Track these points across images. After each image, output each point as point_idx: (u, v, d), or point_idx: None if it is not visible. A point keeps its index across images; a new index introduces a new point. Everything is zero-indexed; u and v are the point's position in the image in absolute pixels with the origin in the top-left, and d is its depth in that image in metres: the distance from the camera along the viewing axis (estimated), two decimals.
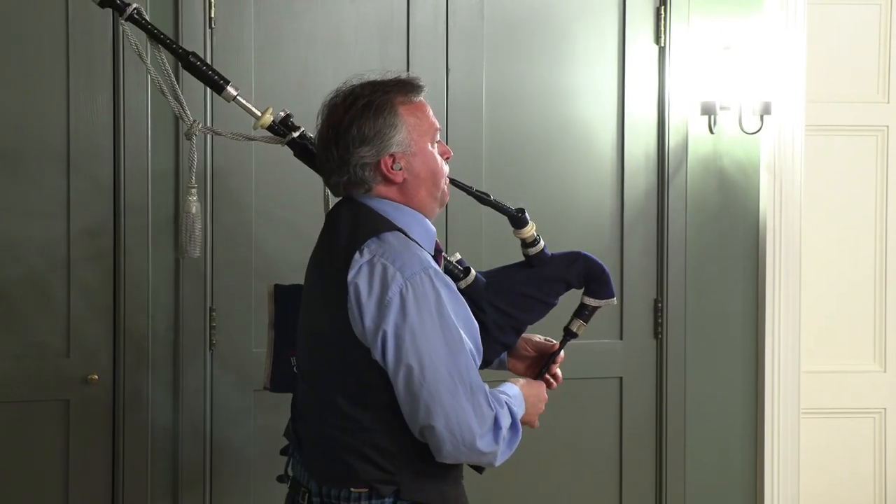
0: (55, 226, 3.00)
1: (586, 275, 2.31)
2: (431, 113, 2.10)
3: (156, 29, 2.28)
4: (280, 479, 2.24)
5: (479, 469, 2.17)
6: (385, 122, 2.02)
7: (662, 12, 3.30)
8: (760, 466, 3.37)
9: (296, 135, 2.24)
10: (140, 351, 3.04)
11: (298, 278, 2.28)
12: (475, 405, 1.96)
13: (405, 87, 2.06)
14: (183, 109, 2.29)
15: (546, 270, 2.30)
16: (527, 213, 2.28)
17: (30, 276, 3.00)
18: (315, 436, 2.06)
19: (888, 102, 3.67)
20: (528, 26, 3.27)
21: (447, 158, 2.12)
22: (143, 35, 2.31)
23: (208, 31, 3.05)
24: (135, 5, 2.26)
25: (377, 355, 1.96)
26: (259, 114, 2.25)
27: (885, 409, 3.70)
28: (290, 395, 2.26)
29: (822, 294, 3.64)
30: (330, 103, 2.08)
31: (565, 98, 3.30)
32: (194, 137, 2.29)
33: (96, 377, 3.03)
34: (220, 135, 2.37)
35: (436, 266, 2.01)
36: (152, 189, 3.03)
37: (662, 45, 3.31)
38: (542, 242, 2.31)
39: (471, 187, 2.28)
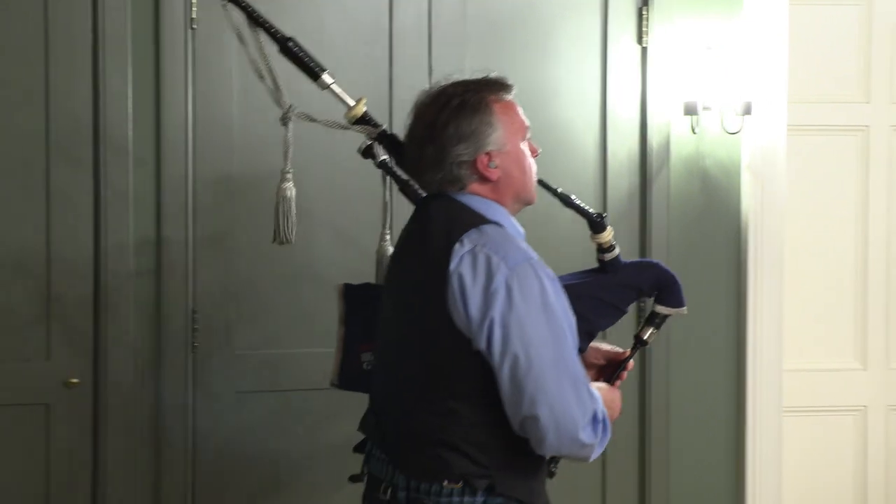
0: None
1: (658, 283, 2.30)
2: (521, 111, 2.11)
3: (256, 12, 2.27)
4: (354, 478, 2.18)
5: (551, 473, 2.15)
6: (481, 120, 2.03)
7: (645, 13, 3.30)
8: (742, 465, 3.38)
9: (384, 127, 2.26)
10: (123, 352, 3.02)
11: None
12: (578, 396, 1.94)
13: (496, 86, 2.08)
14: (280, 94, 2.26)
15: (619, 277, 2.30)
16: (606, 219, 2.28)
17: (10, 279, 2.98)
18: (405, 430, 2.02)
19: (869, 102, 3.68)
20: (511, 26, 3.26)
21: (535, 157, 2.14)
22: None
23: (189, 31, 3.03)
24: None
25: (482, 344, 1.94)
26: (352, 103, 2.25)
27: (865, 406, 3.72)
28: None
29: (804, 293, 3.65)
30: (420, 103, 2.08)
31: (548, 98, 3.30)
32: (290, 123, 2.27)
33: (76, 381, 3.01)
34: (314, 122, 2.31)
35: (537, 257, 2.00)
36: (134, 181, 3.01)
37: (645, 45, 3.31)
38: (617, 249, 2.31)
39: (556, 188, 2.29)
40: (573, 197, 2.30)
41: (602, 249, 2.31)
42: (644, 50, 3.31)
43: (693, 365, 3.38)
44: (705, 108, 3.29)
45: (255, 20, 2.27)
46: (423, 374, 2.00)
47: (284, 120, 2.26)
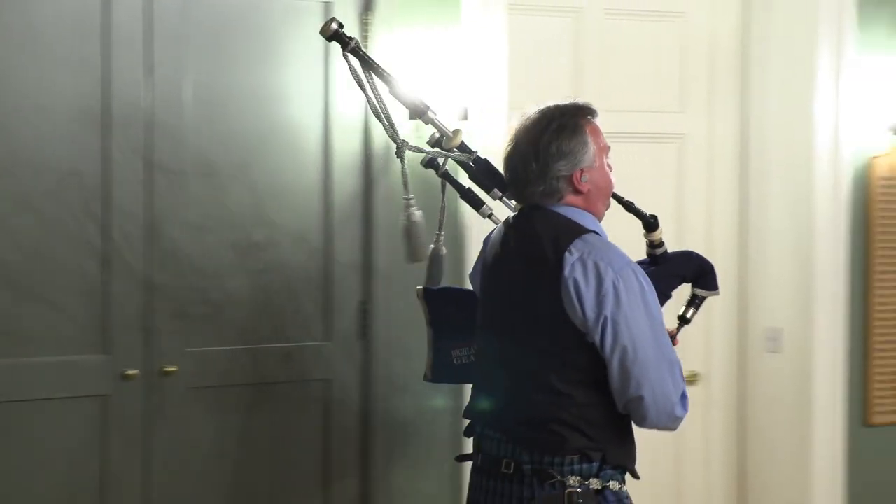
0: None
1: (699, 270, 2.64)
2: (603, 133, 2.45)
3: (371, 59, 2.52)
4: (461, 458, 2.55)
5: (635, 474, 2.44)
6: (578, 141, 2.37)
7: (367, 19, 3.34)
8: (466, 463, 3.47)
9: (479, 153, 2.60)
10: None
11: None
12: (673, 378, 2.32)
13: (586, 111, 2.42)
14: (395, 131, 2.53)
15: (668, 267, 2.61)
16: (658, 220, 2.64)
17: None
18: (525, 413, 2.33)
19: (684, 112, 3.92)
20: (235, 29, 3.25)
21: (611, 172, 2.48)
22: None
23: None
24: (356, 39, 2.49)
25: (596, 338, 2.28)
26: (451, 134, 2.55)
27: None
28: None
29: None
30: (521, 127, 2.41)
31: (274, 100, 3.30)
32: (404, 156, 2.54)
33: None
34: (422, 152, 2.60)
35: (633, 261, 2.36)
36: None
37: (367, 49, 3.35)
38: (665, 244, 2.65)
39: (622, 197, 2.60)
40: (634, 203, 2.63)
41: (653, 245, 2.65)
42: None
43: (418, 366, 3.37)
44: (431, 112, 3.35)
45: (370, 65, 2.52)
46: (541, 364, 2.32)
47: (399, 153, 2.54)
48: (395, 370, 3.42)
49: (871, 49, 3.87)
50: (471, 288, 2.76)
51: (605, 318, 2.27)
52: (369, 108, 2.54)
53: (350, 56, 2.50)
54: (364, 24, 3.34)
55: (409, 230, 2.60)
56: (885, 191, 3.90)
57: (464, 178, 2.77)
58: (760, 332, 3.98)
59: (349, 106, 3.35)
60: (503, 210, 2.64)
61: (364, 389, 3.41)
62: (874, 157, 3.89)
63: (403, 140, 2.54)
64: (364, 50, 2.53)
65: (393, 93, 2.54)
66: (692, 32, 3.99)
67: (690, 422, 3.97)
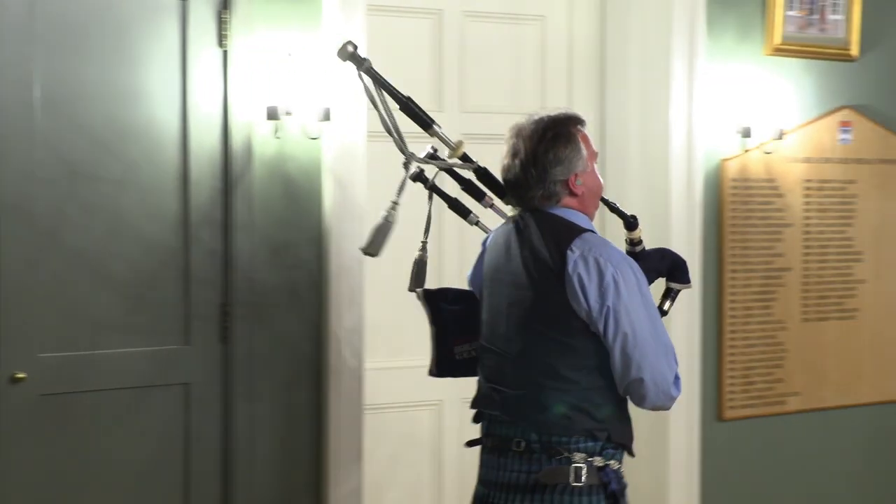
0: None
1: (673, 266, 2.81)
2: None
3: (382, 78, 2.72)
4: (470, 443, 2.71)
5: (632, 452, 2.64)
6: (572, 148, 2.58)
7: (225, 17, 3.29)
8: (324, 464, 3.46)
9: (479, 163, 2.81)
10: None
11: None
12: (668, 361, 2.53)
13: (576, 121, 2.63)
14: (404, 145, 2.73)
15: (646, 263, 2.73)
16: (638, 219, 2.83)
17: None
18: (533, 398, 2.53)
19: (442, 111, 3.88)
20: (87, 27, 3.17)
21: None
22: None
23: None
24: (369, 60, 2.70)
25: (599, 327, 2.48)
26: (454, 146, 2.77)
27: (441, 400, 3.92)
28: None
29: (385, 293, 3.79)
30: (518, 136, 2.60)
31: (128, 100, 3.22)
32: (410, 167, 2.77)
33: None
34: (429, 163, 2.80)
35: (628, 256, 2.60)
36: None
37: (226, 49, 3.30)
38: (643, 242, 2.83)
39: (607, 199, 2.80)
40: (617, 204, 2.85)
41: (633, 243, 2.82)
42: (225, 54, 3.31)
43: (277, 368, 3.41)
44: (287, 114, 3.33)
45: (383, 84, 2.72)
46: (549, 353, 2.52)
47: (406, 165, 2.75)
48: (257, 374, 3.37)
49: (720, 56, 3.99)
50: (467, 288, 2.90)
51: (608, 308, 2.47)
52: (380, 123, 2.73)
53: (364, 75, 2.71)
54: (222, 23, 3.29)
55: (382, 228, 2.75)
56: (735, 192, 4.03)
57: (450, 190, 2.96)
58: None
59: (208, 106, 3.29)
60: (491, 218, 2.90)
61: (225, 394, 3.35)
62: (725, 160, 4.02)
63: (411, 153, 2.75)
64: (375, 70, 2.72)
65: (403, 109, 2.76)
66: (552, 36, 4.05)
67: None
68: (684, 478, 3.95)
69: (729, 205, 4.01)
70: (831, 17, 4.16)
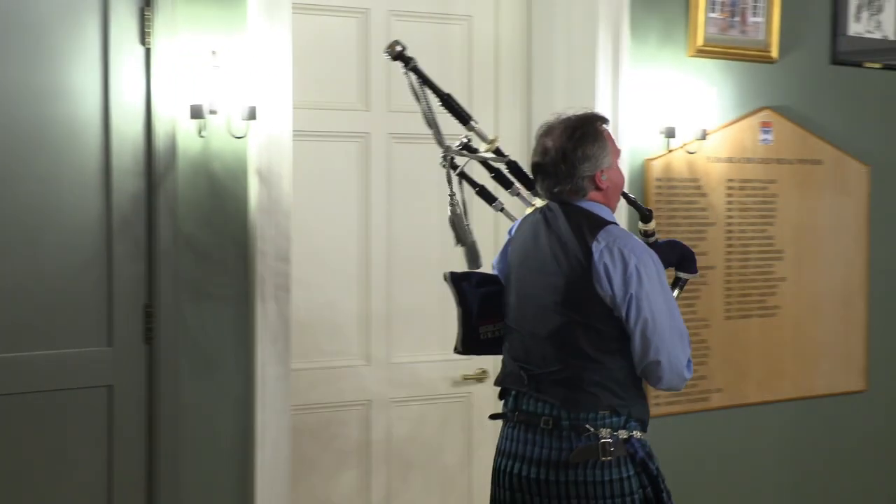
0: None
1: (682, 257, 3.03)
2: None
3: (426, 75, 2.90)
4: (494, 416, 2.94)
5: (646, 428, 2.83)
6: (599, 146, 2.79)
7: (147, 14, 3.25)
8: (253, 466, 3.43)
9: (510, 156, 3.01)
10: None
11: None
12: (683, 345, 2.76)
13: (601, 120, 2.84)
14: (443, 138, 2.91)
15: (658, 254, 2.88)
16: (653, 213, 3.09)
17: None
18: (561, 376, 2.76)
19: (369, 111, 3.88)
20: (5, 23, 3.09)
21: None
22: None
23: None
24: (415, 59, 2.87)
25: (622, 312, 2.70)
26: (490, 139, 2.97)
27: (370, 400, 3.92)
28: None
29: (312, 293, 3.78)
30: (548, 134, 2.81)
31: (46, 97, 3.16)
32: (450, 158, 2.94)
33: None
34: (464, 156, 2.96)
35: (648, 247, 2.80)
36: None
37: (149, 46, 3.26)
38: (657, 234, 3.07)
39: (626, 193, 3.03)
40: (634, 197, 3.12)
41: (647, 235, 3.05)
42: (148, 51, 3.26)
43: (204, 369, 3.37)
44: (212, 112, 3.29)
45: (426, 81, 2.91)
46: (576, 335, 2.74)
47: (445, 157, 2.94)
48: (182, 375, 3.33)
49: (644, 57, 4.04)
50: (493, 272, 3.07)
51: (631, 296, 2.69)
52: (422, 118, 2.91)
53: (410, 73, 2.89)
54: (144, 20, 3.25)
55: (455, 221, 2.94)
56: (660, 191, 4.08)
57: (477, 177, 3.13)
58: None
59: (131, 104, 3.25)
60: (515, 205, 3.14)
61: (150, 396, 3.31)
62: (649, 160, 4.06)
63: (448, 146, 2.92)
64: (420, 67, 2.90)
65: (444, 104, 2.94)
66: (478, 36, 4.06)
67: (480, 417, 4.07)
68: None
69: (654, 204, 4.06)
70: (752, 19, 4.23)
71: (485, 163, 3.08)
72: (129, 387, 3.29)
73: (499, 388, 2.93)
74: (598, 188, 2.82)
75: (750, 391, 4.31)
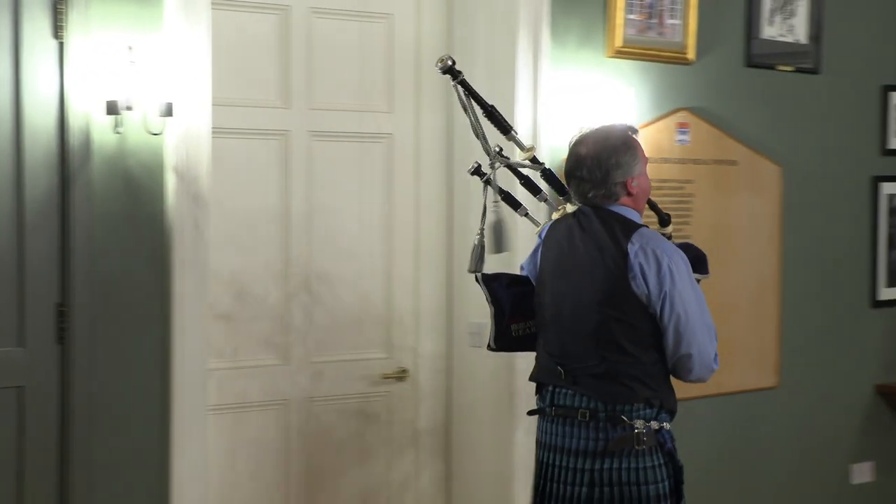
0: None
1: (696, 258, 3.13)
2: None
3: (472, 88, 3.09)
4: (532, 412, 3.11)
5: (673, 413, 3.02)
6: (631, 154, 2.99)
7: (61, 7, 3.19)
8: (167, 465, 3.38)
9: (547, 165, 3.21)
10: None
11: None
12: (711, 339, 2.96)
13: (633, 130, 3.06)
14: (489, 146, 3.11)
15: None
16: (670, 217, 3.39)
17: None
18: (598, 370, 2.94)
19: (289, 108, 3.86)
20: None
21: None
22: None
23: None
24: (462, 73, 3.07)
25: (656, 309, 2.90)
26: (527, 147, 3.16)
27: (288, 399, 3.89)
28: None
29: (231, 291, 3.74)
30: (583, 143, 3.01)
31: None
32: (495, 165, 3.11)
33: None
34: (509, 162, 3.14)
35: (677, 248, 2.99)
36: None
37: (62, 40, 3.20)
38: (672, 237, 3.26)
39: (651, 200, 3.24)
40: (655, 202, 3.32)
41: (666, 237, 3.15)
42: (61, 45, 3.20)
43: (120, 369, 3.33)
44: (128, 108, 3.24)
45: (472, 93, 3.10)
46: (613, 331, 2.92)
47: (492, 165, 3.12)
48: (96, 375, 3.28)
49: (564, 57, 4.06)
50: (521, 273, 3.26)
51: (665, 293, 2.89)
52: (471, 128, 3.09)
53: (458, 85, 3.07)
54: (58, 14, 3.19)
55: (497, 226, 3.10)
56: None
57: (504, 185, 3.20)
58: (465, 327, 4.10)
59: (44, 99, 3.19)
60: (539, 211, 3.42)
61: (62, 397, 3.25)
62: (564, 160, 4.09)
63: (495, 153, 3.11)
64: (467, 81, 3.10)
65: (487, 116, 3.12)
66: (400, 34, 4.06)
67: (399, 416, 4.06)
68: (528, 471, 3.98)
69: None
70: (669, 21, 4.29)
71: (514, 170, 3.24)
72: (41, 388, 3.23)
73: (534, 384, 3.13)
74: (629, 194, 3.01)
75: (678, 386, 4.35)
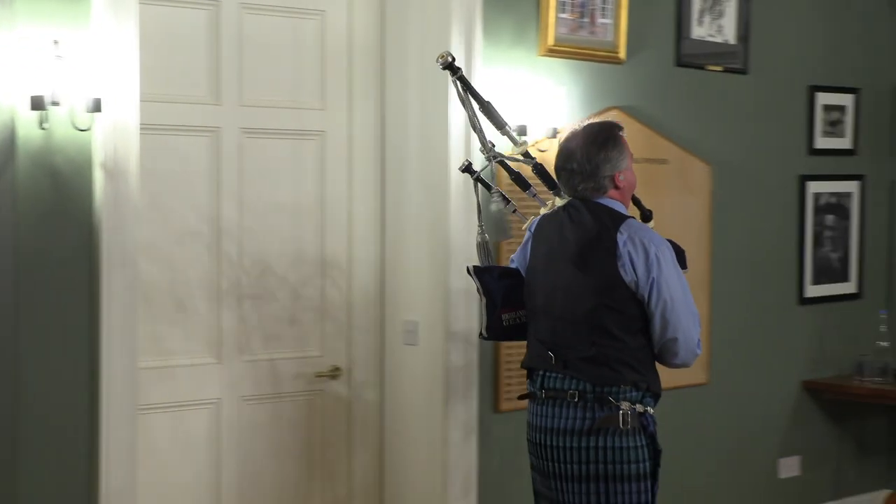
0: None
1: (676, 253, 3.21)
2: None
3: (470, 84, 3.34)
4: (523, 396, 3.29)
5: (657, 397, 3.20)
6: (619, 150, 3.17)
7: None
8: (96, 466, 3.34)
9: (536, 159, 3.45)
10: None
11: None
12: (695, 325, 3.13)
13: (619, 127, 3.21)
14: (485, 139, 3.36)
15: None
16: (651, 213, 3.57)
17: None
18: (587, 354, 3.10)
19: (220, 105, 3.82)
20: None
21: None
22: None
23: None
24: (461, 69, 3.31)
25: (644, 295, 3.06)
26: (519, 142, 3.42)
27: (220, 399, 3.85)
28: None
29: (158, 290, 3.69)
30: (573, 140, 3.18)
31: None
32: (490, 159, 3.41)
33: None
34: (502, 157, 3.42)
35: (663, 238, 3.15)
36: None
37: None
38: None
39: (635, 195, 3.38)
40: (638, 198, 3.46)
41: None
42: None
43: (45, 369, 3.27)
44: (54, 104, 3.19)
45: (470, 88, 3.32)
46: (602, 317, 3.08)
47: (488, 158, 3.39)
48: (21, 376, 3.23)
49: (497, 56, 4.08)
50: (511, 266, 3.40)
51: (653, 280, 3.05)
52: (468, 122, 3.36)
53: (457, 81, 3.29)
54: None
55: (499, 216, 3.35)
56: (512, 187, 4.10)
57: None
58: (399, 325, 4.10)
59: None
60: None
61: None
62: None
63: (490, 147, 3.37)
64: (466, 77, 3.35)
65: (483, 110, 3.33)
66: (332, 31, 4.04)
67: (332, 414, 4.05)
68: (462, 469, 4.02)
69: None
70: (601, 20, 4.33)
71: (505, 165, 3.43)
72: None
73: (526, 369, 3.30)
74: (616, 187, 3.17)
75: None
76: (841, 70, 5.28)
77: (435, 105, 3.99)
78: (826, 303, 5.28)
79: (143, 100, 3.42)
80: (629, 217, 3.15)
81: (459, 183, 3.96)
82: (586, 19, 4.29)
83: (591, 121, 3.26)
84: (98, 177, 3.32)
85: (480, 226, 3.44)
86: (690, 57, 4.69)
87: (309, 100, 4.02)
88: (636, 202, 3.47)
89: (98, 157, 3.32)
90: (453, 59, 3.22)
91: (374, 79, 4.12)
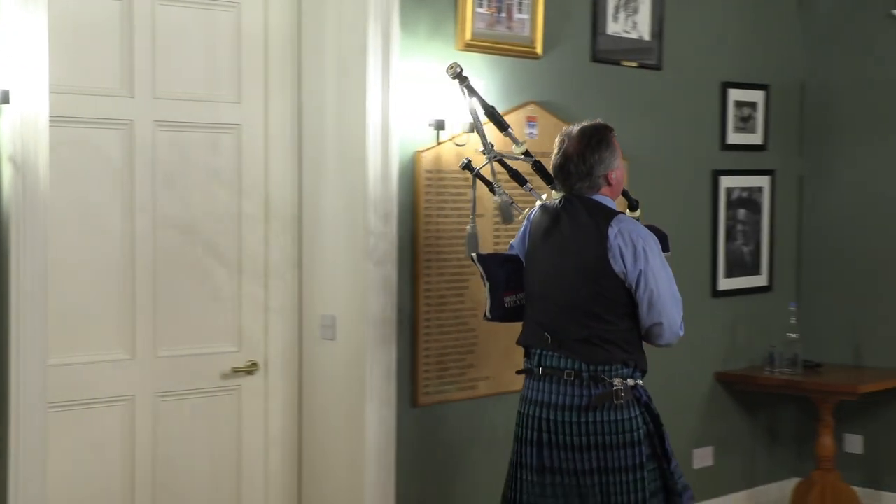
0: None
1: (659, 237, 3.51)
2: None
3: (475, 90, 3.69)
4: (520, 372, 3.57)
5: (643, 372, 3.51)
6: (611, 150, 3.46)
7: None
8: (4, 466, 3.27)
9: (535, 158, 3.70)
10: None
11: None
12: (677, 309, 3.44)
13: (611, 129, 3.50)
14: (487, 141, 3.71)
15: None
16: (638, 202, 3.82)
17: None
18: (581, 336, 3.39)
19: (133, 97, 3.76)
20: None
21: None
22: None
23: None
24: (468, 78, 3.68)
25: (632, 283, 3.36)
26: (520, 142, 3.71)
27: (133, 395, 3.79)
28: None
29: (70, 286, 3.62)
30: (568, 140, 3.47)
31: None
32: (492, 157, 3.75)
33: None
34: (503, 156, 3.76)
35: (650, 232, 3.45)
36: None
37: None
38: (640, 221, 3.61)
39: (624, 188, 3.66)
40: (626, 190, 3.69)
41: None
42: None
43: None
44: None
45: (474, 93, 3.68)
46: (594, 302, 3.39)
47: (489, 159, 3.73)
48: None
49: (415, 50, 4.08)
50: (511, 252, 3.67)
51: (641, 271, 3.35)
52: (474, 126, 3.75)
53: (464, 88, 3.66)
54: None
55: (503, 205, 3.68)
56: (430, 183, 4.13)
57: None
58: (316, 319, 4.08)
59: None
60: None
61: None
62: (420, 152, 4.11)
63: (490, 146, 3.72)
64: (472, 84, 3.70)
65: (486, 113, 3.69)
66: (247, 24, 4.00)
67: (249, 410, 4.02)
68: (379, 463, 4.02)
69: (424, 195, 4.11)
70: (518, 15, 4.35)
71: (504, 163, 3.76)
72: None
73: (522, 347, 3.57)
74: (609, 184, 3.47)
75: (514, 378, 4.40)
76: (752, 67, 5.39)
77: (352, 97, 3.98)
78: (738, 295, 5.39)
79: (53, 91, 3.35)
80: (619, 213, 3.45)
81: (378, 175, 3.95)
82: (503, 14, 4.31)
83: (584, 124, 3.50)
84: (5, 170, 3.25)
85: (472, 218, 3.77)
86: (606, 53, 4.74)
87: (224, 92, 3.97)
88: (625, 194, 3.71)
89: (6, 151, 3.24)
90: (461, 70, 3.60)
91: (290, 71, 4.09)
